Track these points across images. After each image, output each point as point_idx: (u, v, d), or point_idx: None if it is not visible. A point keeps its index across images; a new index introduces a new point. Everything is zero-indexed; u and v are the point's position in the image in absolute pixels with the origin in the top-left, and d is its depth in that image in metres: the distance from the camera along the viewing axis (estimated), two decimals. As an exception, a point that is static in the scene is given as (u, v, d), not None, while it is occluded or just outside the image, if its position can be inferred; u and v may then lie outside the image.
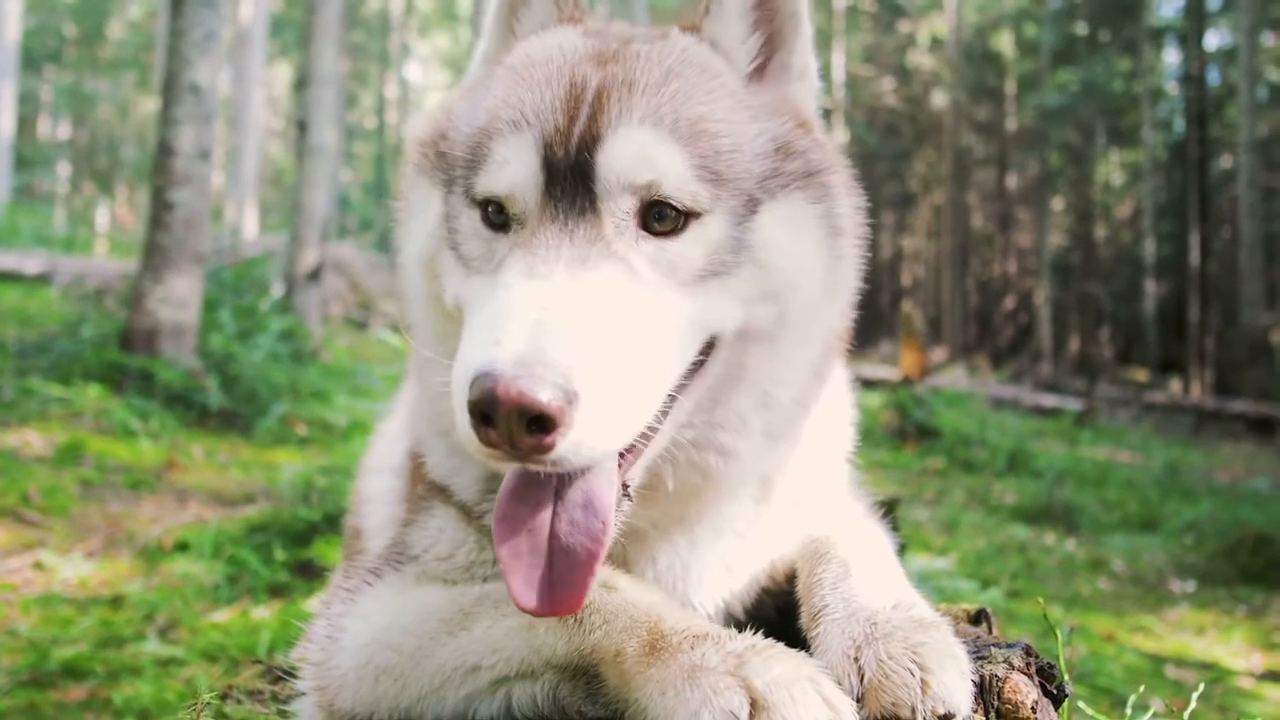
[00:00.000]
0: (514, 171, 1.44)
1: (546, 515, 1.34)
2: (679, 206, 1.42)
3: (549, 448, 1.21)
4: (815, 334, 1.60)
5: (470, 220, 1.51)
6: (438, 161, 1.58)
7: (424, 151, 1.62)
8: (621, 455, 1.39)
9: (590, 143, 1.41)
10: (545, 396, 1.18)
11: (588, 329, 1.27)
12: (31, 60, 40.62)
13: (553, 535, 1.33)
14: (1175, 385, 34.10)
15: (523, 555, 1.32)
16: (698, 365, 1.48)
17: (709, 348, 1.48)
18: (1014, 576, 8.45)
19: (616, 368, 1.27)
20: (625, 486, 1.43)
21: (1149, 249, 38.04)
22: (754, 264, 1.47)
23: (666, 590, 1.65)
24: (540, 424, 1.19)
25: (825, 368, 1.67)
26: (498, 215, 1.47)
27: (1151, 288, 38.04)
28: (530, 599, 1.30)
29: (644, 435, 1.38)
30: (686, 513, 1.65)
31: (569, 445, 1.22)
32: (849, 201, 1.62)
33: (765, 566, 1.77)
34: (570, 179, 1.41)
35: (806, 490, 1.78)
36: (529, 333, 1.24)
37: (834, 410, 1.84)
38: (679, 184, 1.42)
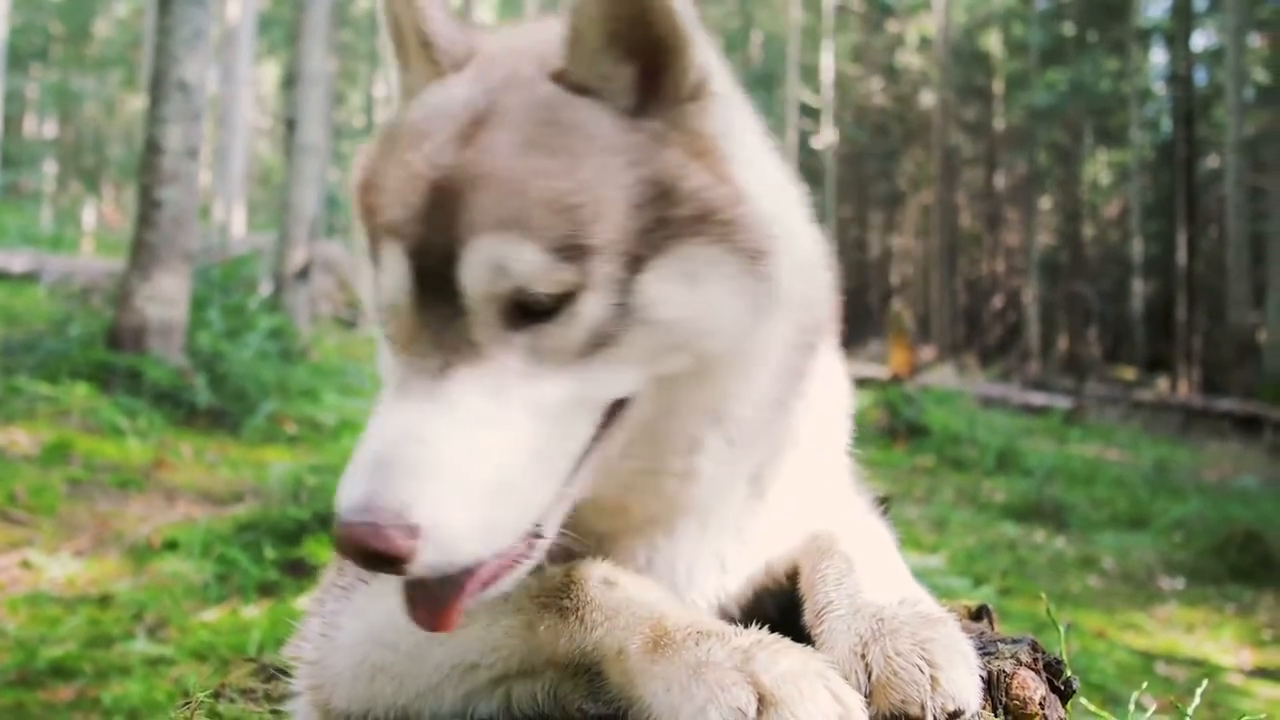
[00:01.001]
0: (390, 283, 1.38)
1: None
2: (544, 298, 1.33)
3: (401, 574, 1.26)
4: (760, 353, 1.47)
5: None
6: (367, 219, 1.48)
7: (359, 199, 1.51)
8: None
9: (449, 257, 1.33)
10: (380, 545, 1.21)
11: (433, 454, 1.27)
12: (18, 58, 40.40)
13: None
14: (1163, 384, 34.23)
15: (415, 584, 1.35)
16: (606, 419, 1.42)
17: (617, 404, 1.42)
18: (1004, 574, 8.47)
19: (468, 482, 1.26)
20: (538, 533, 1.40)
21: (1136, 248, 38.20)
22: (643, 324, 1.35)
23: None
24: (388, 561, 1.22)
25: (799, 364, 1.58)
26: None
27: (1139, 287, 38.20)
28: (412, 616, 1.35)
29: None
30: (667, 517, 1.60)
31: (427, 566, 1.24)
32: (766, 210, 1.44)
33: (764, 564, 1.74)
34: (438, 288, 1.35)
35: (805, 484, 1.76)
36: (369, 474, 1.25)
37: (827, 400, 1.79)
38: (539, 276, 1.31)
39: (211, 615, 5.11)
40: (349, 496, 1.23)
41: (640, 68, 1.40)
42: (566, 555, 1.60)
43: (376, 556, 1.22)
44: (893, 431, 14.77)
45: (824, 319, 1.65)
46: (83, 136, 50.30)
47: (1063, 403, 23.22)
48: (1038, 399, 23.99)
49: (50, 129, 48.66)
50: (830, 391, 1.79)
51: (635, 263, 1.33)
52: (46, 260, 16.61)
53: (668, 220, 1.35)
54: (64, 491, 6.73)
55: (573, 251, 1.31)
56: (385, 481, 1.24)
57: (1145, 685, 2.00)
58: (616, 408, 1.40)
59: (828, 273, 1.67)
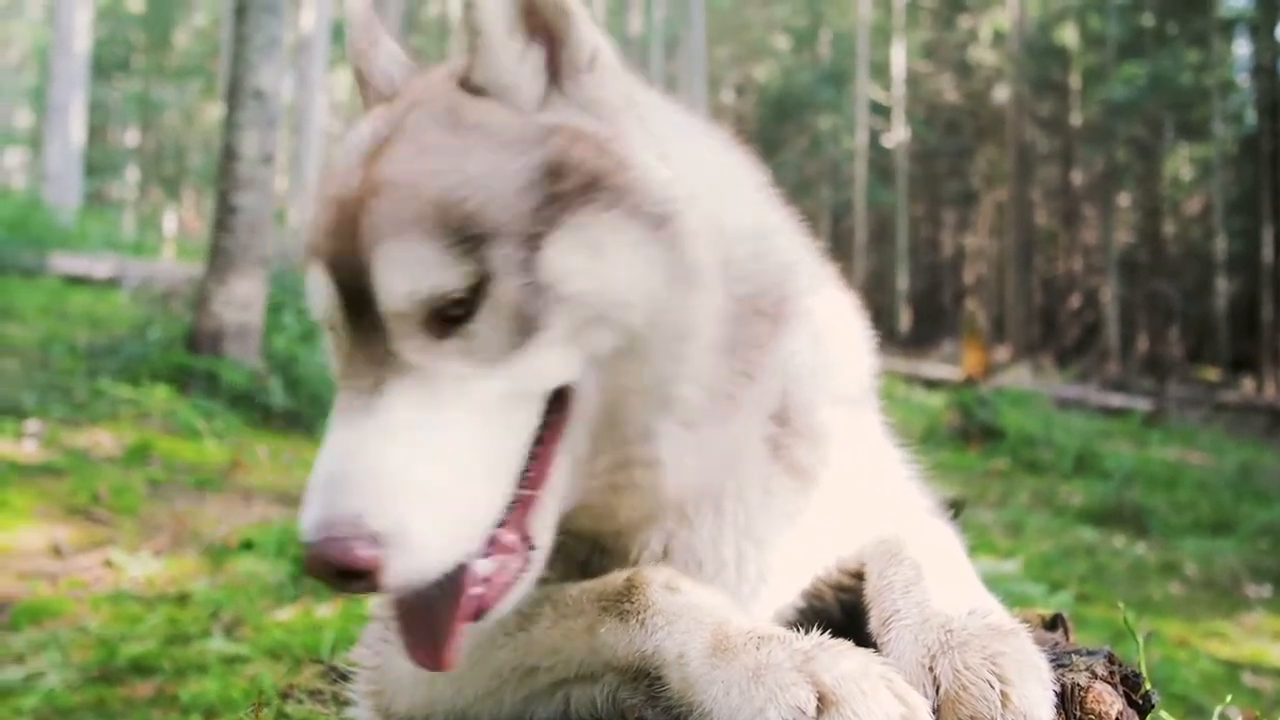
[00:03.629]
0: (320, 303, 1.45)
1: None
2: (457, 294, 1.36)
3: (379, 589, 1.25)
4: (688, 328, 1.46)
5: None
6: None
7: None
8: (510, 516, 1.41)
9: (360, 271, 1.38)
10: (347, 558, 1.23)
11: (380, 465, 1.30)
12: (101, 69, 41.59)
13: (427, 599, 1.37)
14: (1248, 385, 33.29)
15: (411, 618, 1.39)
16: (558, 411, 1.44)
17: (559, 396, 1.43)
18: (1083, 580, 8.29)
19: (418, 485, 1.29)
20: (528, 539, 1.42)
21: (1220, 245, 37.22)
22: (559, 302, 1.37)
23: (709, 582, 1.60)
24: (358, 576, 1.23)
25: (749, 337, 1.55)
26: None
27: (1223, 285, 37.21)
28: (413, 657, 1.38)
29: (533, 488, 1.41)
30: (659, 508, 1.58)
31: (399, 576, 1.25)
32: (664, 178, 1.46)
33: (826, 557, 1.72)
34: (360, 304, 1.39)
35: (863, 478, 1.73)
36: (323, 495, 1.27)
37: (843, 386, 1.74)
38: (443, 277, 1.35)
39: (286, 614, 5.18)
40: (308, 519, 1.26)
41: (545, 50, 1.47)
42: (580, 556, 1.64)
43: (347, 572, 1.23)
44: (966, 434, 14.53)
45: (784, 293, 1.62)
46: (163, 145, 51.64)
47: (1143, 404, 22.68)
48: (1116, 400, 23.44)
49: (132, 138, 50.02)
50: (847, 377, 1.75)
51: (534, 240, 1.36)
52: (129, 266, 17.00)
53: (558, 195, 1.38)
54: (145, 492, 6.88)
55: (469, 243, 1.34)
56: (339, 498, 1.26)
57: (1230, 697, 1.93)
58: (559, 401, 1.42)
59: (788, 248, 1.67)
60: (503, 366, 1.36)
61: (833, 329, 1.75)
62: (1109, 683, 1.37)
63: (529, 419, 1.40)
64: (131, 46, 48.32)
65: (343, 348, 1.44)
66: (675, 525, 1.60)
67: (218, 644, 4.76)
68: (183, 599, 5.30)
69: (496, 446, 1.37)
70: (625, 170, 1.42)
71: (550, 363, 1.38)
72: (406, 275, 1.35)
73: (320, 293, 1.45)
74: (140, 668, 4.50)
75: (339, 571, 1.23)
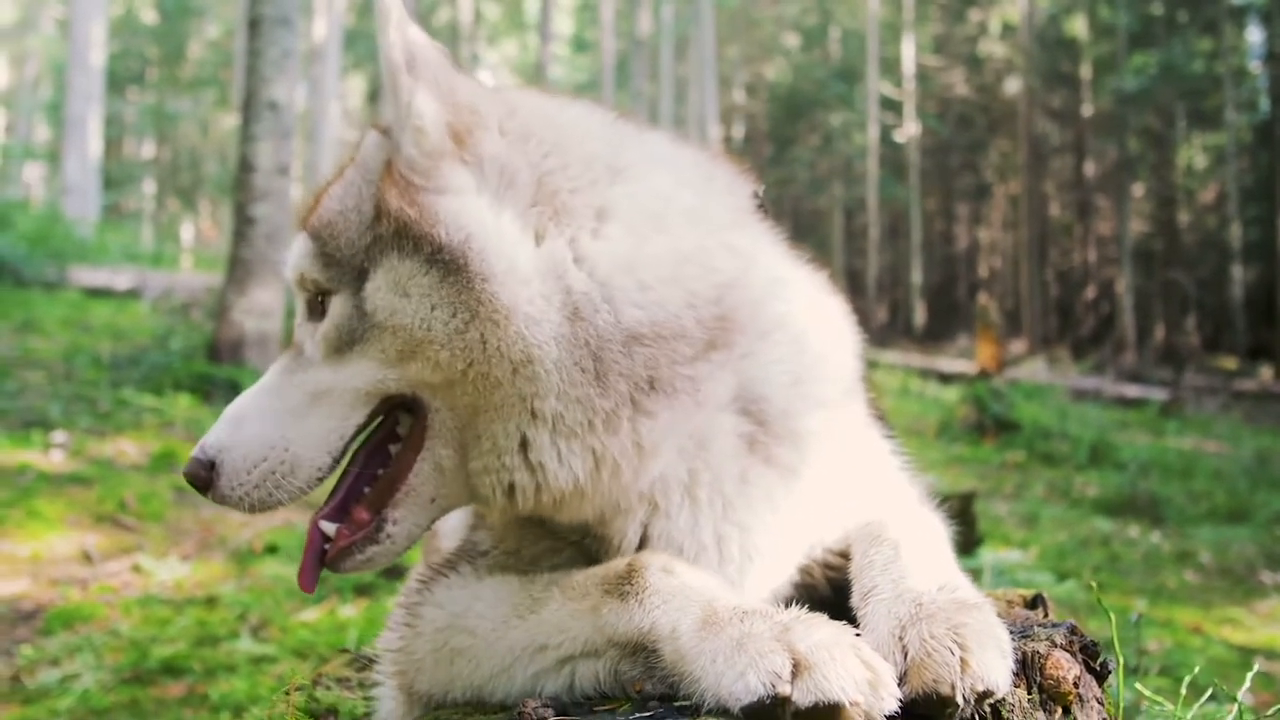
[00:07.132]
0: None
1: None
2: (311, 290, 1.73)
3: (211, 499, 1.71)
4: (526, 351, 1.58)
5: None
6: None
7: None
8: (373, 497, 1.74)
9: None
10: (187, 473, 1.72)
11: (236, 412, 1.73)
12: (116, 83, 41.90)
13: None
14: (1265, 373, 33.08)
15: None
16: (418, 424, 1.68)
17: (413, 408, 1.68)
18: (1097, 570, 8.35)
19: (248, 434, 1.69)
20: (383, 521, 1.71)
21: (1235, 233, 37.03)
22: (377, 328, 1.63)
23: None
24: (199, 488, 1.71)
25: (629, 361, 1.61)
26: None
27: (1239, 273, 37.03)
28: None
29: (393, 484, 1.71)
30: (608, 500, 1.70)
31: (222, 494, 1.70)
32: (461, 226, 1.60)
33: (813, 542, 1.83)
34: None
35: (847, 471, 1.84)
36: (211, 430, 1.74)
37: (823, 392, 1.82)
38: (308, 273, 1.71)
39: (311, 615, 5.31)
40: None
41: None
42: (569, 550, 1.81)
43: (191, 483, 1.71)
44: (981, 427, 14.56)
45: (723, 310, 1.69)
46: (179, 156, 51.96)
47: (1159, 394, 22.62)
48: (1132, 391, 23.39)
49: (148, 150, 50.39)
50: (831, 380, 1.84)
51: (362, 274, 1.65)
52: (148, 277, 17.17)
53: (379, 237, 1.64)
54: (170, 499, 7.03)
55: (327, 259, 1.69)
56: (210, 430, 1.73)
57: (1198, 668, 2.03)
58: (421, 413, 1.67)
59: (729, 268, 1.73)
60: (333, 363, 1.68)
61: (814, 335, 1.84)
62: (1068, 651, 1.48)
63: (357, 416, 1.69)
64: (146, 59, 48.65)
65: None
66: (648, 515, 1.74)
67: (246, 644, 4.89)
68: (210, 602, 5.43)
69: (317, 426, 1.69)
70: (424, 225, 1.61)
71: (369, 373, 1.66)
72: (295, 260, 1.75)
73: None
74: (171, 668, 4.63)
75: (189, 482, 1.71)
